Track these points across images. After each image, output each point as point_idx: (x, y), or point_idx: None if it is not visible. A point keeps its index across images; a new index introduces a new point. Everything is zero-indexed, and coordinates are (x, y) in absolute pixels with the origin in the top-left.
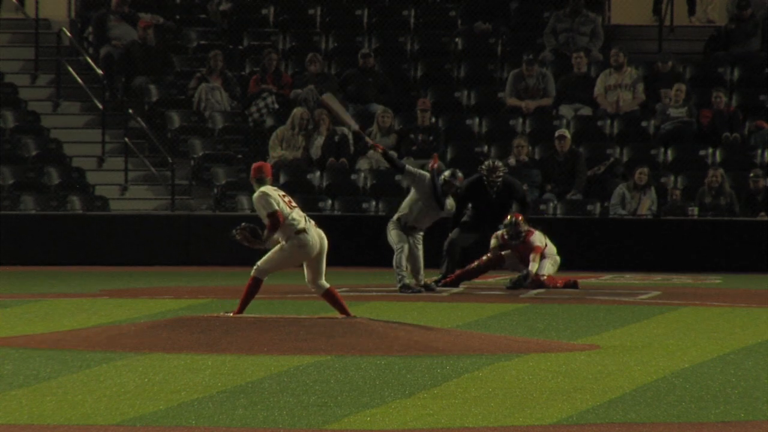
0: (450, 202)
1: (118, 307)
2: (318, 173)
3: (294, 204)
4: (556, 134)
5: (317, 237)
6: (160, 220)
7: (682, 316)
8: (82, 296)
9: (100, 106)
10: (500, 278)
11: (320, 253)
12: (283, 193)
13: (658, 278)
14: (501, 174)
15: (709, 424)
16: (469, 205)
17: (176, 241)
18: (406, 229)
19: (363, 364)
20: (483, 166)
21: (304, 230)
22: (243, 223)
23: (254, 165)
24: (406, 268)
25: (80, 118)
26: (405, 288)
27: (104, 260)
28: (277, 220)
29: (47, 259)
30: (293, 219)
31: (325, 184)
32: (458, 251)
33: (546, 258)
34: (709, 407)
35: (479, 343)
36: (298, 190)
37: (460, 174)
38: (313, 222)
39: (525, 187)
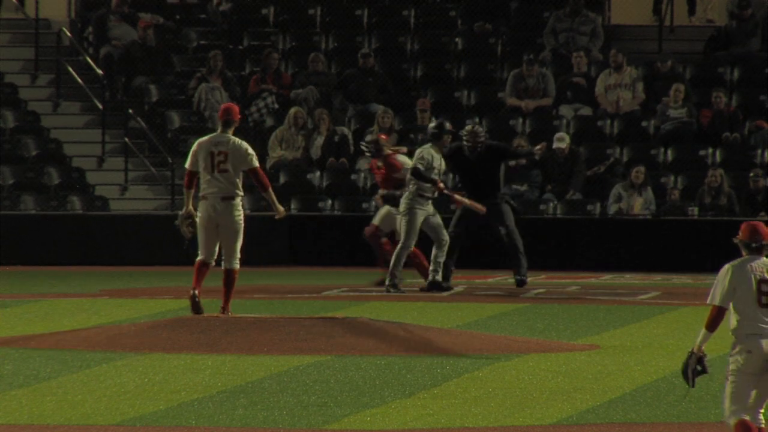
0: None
1: (118, 307)
2: (318, 173)
3: (224, 167)
4: (554, 144)
5: (209, 208)
6: (160, 220)
7: (682, 316)
8: (82, 296)
9: (100, 106)
10: (500, 278)
11: (219, 227)
12: (222, 151)
13: (658, 278)
14: (482, 138)
15: (709, 424)
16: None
17: (176, 241)
18: (422, 200)
19: (363, 364)
20: (464, 131)
21: (203, 197)
22: (180, 214)
23: (222, 106)
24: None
25: (80, 118)
26: (393, 288)
27: (104, 260)
28: (189, 178)
29: (47, 259)
30: (203, 184)
31: (325, 184)
32: (451, 243)
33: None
34: (709, 407)
35: (479, 343)
36: (298, 190)
37: (447, 124)
38: (233, 194)
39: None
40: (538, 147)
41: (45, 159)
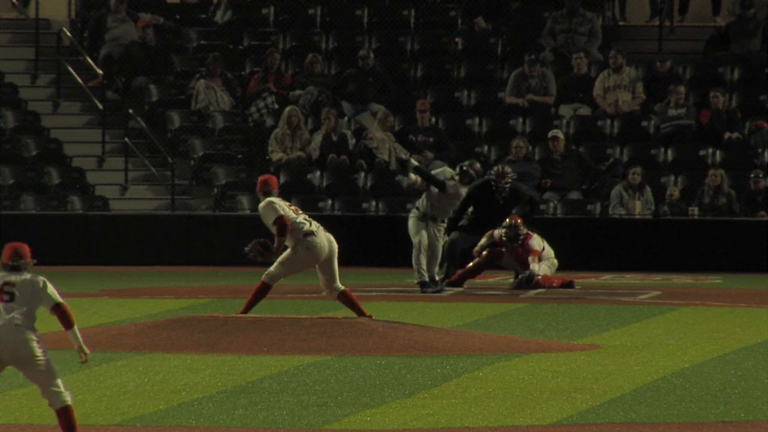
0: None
1: (118, 307)
2: (318, 173)
3: (300, 211)
4: (549, 135)
5: (326, 240)
6: (160, 220)
7: (682, 316)
8: (82, 296)
9: (100, 106)
10: (500, 278)
11: (330, 256)
12: (289, 203)
13: (658, 278)
14: (510, 180)
15: (709, 424)
16: (470, 209)
17: (176, 241)
18: (426, 219)
19: (363, 364)
20: (492, 171)
21: (312, 233)
22: (254, 240)
23: (261, 178)
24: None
25: (80, 118)
26: (423, 286)
27: (104, 260)
28: (284, 225)
29: (47, 259)
30: (300, 223)
31: (325, 184)
32: (458, 252)
33: (543, 260)
34: (709, 407)
35: (479, 343)
36: (298, 190)
37: (477, 164)
38: (321, 226)
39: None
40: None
41: (45, 159)
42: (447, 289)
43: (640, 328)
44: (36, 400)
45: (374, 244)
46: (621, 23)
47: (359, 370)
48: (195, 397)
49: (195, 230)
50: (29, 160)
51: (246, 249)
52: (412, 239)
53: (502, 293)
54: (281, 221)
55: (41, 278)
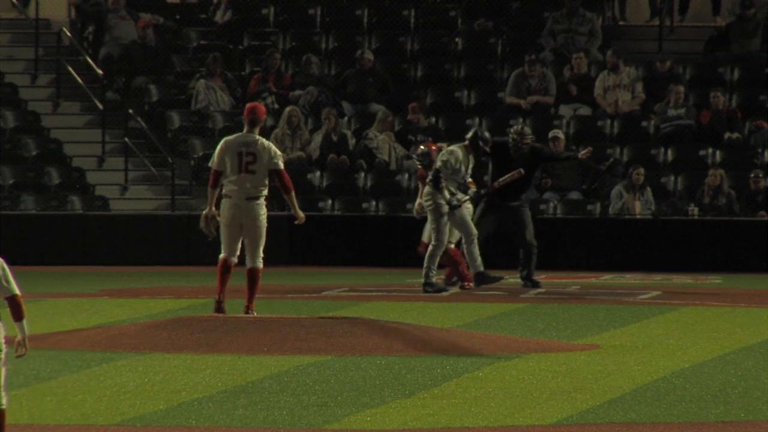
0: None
1: (118, 307)
2: (318, 173)
3: (252, 168)
4: (550, 135)
5: (234, 208)
6: (160, 220)
7: (682, 316)
8: (82, 296)
9: (100, 106)
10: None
11: (242, 226)
12: (251, 152)
13: (658, 278)
14: (529, 141)
15: (709, 424)
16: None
17: (176, 241)
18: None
19: (363, 364)
20: (512, 130)
21: (227, 195)
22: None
23: (248, 105)
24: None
25: (80, 118)
26: (427, 286)
27: (104, 260)
28: (214, 177)
29: (47, 259)
30: (228, 183)
31: (325, 184)
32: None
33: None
34: (709, 407)
35: (479, 343)
36: (298, 190)
37: (486, 134)
38: (259, 194)
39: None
40: (584, 151)
41: (45, 159)
42: (448, 289)
43: (640, 328)
44: (36, 400)
45: (374, 244)
46: (621, 23)
47: (359, 370)
48: (195, 397)
49: (195, 230)
50: (29, 160)
51: (201, 227)
52: (466, 232)
53: (502, 293)
54: (212, 172)
55: (1, 263)
